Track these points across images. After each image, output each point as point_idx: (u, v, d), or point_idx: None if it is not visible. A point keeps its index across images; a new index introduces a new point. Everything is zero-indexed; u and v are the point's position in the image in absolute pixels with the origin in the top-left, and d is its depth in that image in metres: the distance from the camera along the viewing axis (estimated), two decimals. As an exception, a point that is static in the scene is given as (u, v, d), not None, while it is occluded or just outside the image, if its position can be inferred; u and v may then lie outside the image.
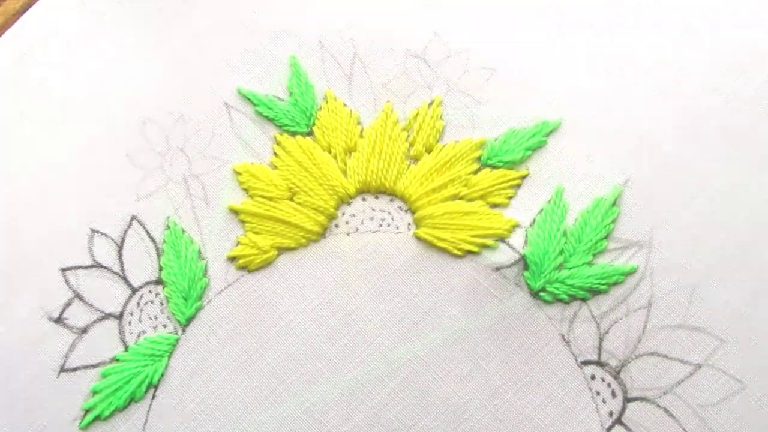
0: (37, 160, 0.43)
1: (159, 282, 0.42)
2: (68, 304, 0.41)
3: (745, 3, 0.43)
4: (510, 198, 0.42)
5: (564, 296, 0.40)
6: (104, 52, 0.44)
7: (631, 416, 0.39)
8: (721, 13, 0.43)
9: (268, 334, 0.41)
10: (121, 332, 0.41)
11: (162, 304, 0.41)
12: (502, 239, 0.41)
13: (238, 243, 0.42)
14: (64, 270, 0.42)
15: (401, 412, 0.40)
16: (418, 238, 0.41)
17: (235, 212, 0.42)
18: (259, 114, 0.43)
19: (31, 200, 0.42)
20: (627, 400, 0.39)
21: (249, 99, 0.43)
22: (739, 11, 0.43)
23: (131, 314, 0.41)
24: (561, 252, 0.41)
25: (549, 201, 0.41)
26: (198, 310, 0.41)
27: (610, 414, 0.39)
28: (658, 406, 0.39)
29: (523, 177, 0.42)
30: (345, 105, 0.43)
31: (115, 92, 0.44)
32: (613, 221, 0.41)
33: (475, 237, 0.41)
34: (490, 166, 0.42)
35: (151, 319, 0.41)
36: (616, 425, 0.39)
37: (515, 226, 0.41)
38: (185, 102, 0.43)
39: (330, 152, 0.43)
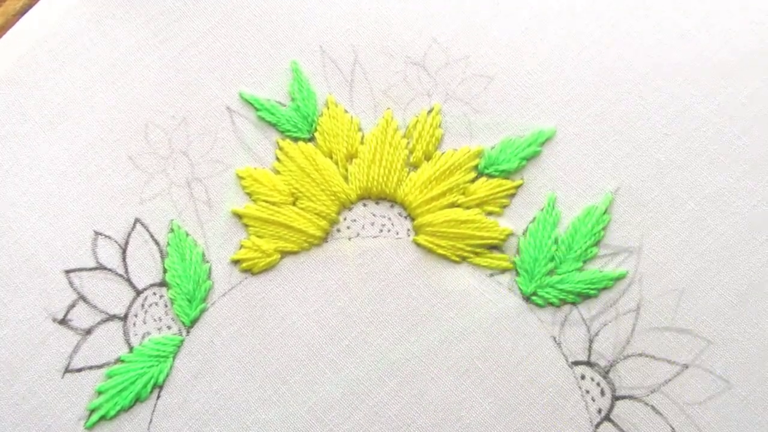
0: (39, 162, 0.43)
1: (163, 284, 0.42)
2: (72, 306, 0.41)
3: (738, 10, 0.44)
4: (504, 207, 0.43)
5: (555, 300, 0.41)
6: (105, 55, 0.44)
7: (619, 413, 0.40)
8: (713, 20, 0.43)
9: (271, 336, 0.42)
10: (126, 333, 0.42)
11: (166, 305, 0.42)
12: (496, 247, 0.43)
13: (242, 246, 0.43)
14: (68, 272, 0.42)
15: (400, 411, 0.41)
16: (418, 245, 0.43)
17: (238, 216, 0.43)
18: (261, 119, 0.44)
19: (34, 203, 0.42)
20: (615, 398, 0.40)
21: (251, 103, 0.44)
22: (732, 19, 0.43)
23: (136, 316, 0.42)
24: (552, 259, 0.42)
25: (542, 209, 0.43)
26: (202, 311, 0.42)
27: (599, 411, 0.40)
28: (646, 404, 0.40)
29: (518, 186, 0.43)
30: (346, 111, 0.44)
31: (116, 95, 0.44)
32: (604, 228, 0.42)
33: (472, 246, 0.42)
34: (486, 175, 0.43)
35: (155, 320, 0.42)
36: (605, 422, 0.40)
37: (509, 235, 0.43)
38: (188, 105, 0.44)
39: (331, 158, 0.43)
